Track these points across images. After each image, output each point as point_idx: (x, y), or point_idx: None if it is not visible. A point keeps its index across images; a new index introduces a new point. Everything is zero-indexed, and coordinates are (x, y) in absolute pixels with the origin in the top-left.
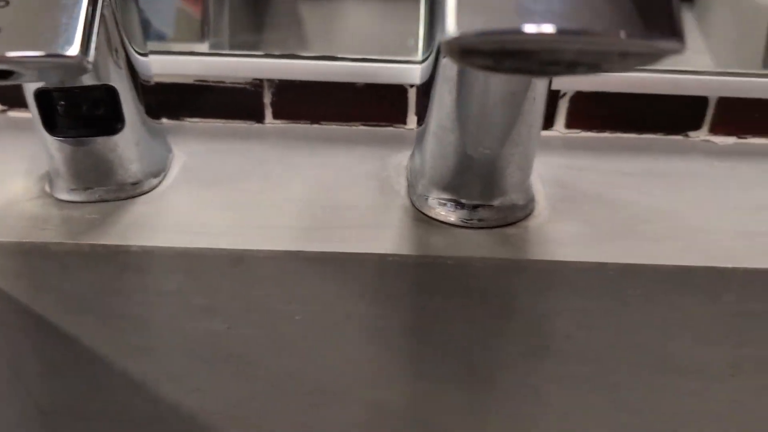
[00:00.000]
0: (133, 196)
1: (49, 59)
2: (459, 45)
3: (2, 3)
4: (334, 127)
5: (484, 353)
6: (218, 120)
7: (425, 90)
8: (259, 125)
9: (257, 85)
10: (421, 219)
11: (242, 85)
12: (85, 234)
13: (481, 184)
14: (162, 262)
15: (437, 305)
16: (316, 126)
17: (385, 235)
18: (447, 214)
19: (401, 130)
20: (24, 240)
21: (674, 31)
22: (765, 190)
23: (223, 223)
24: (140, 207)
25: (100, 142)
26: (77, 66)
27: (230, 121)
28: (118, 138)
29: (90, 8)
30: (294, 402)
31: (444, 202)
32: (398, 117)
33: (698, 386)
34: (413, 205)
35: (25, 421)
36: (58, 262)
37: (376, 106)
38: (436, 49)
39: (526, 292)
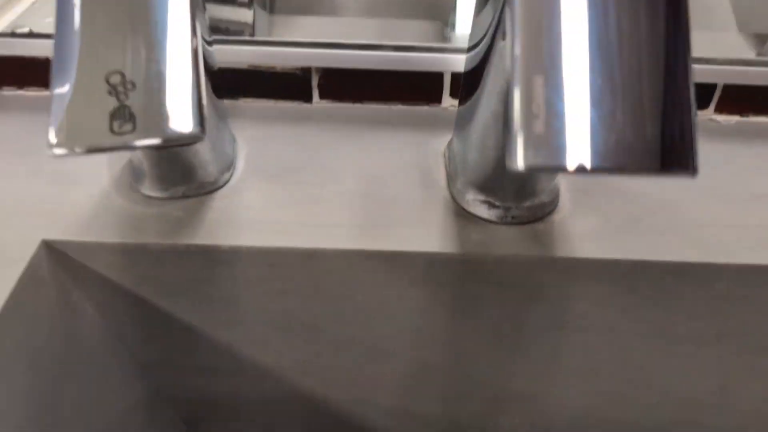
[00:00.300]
0: (211, 192)
1: (173, 140)
2: (524, 171)
3: (131, 86)
4: (375, 106)
5: (512, 326)
6: (270, 100)
7: (471, 81)
8: (308, 105)
9: (306, 70)
10: (460, 213)
11: (292, 71)
12: (176, 233)
13: (516, 188)
14: (247, 257)
15: (474, 290)
16: (358, 105)
17: (429, 233)
18: (483, 212)
19: (436, 109)
20: (126, 241)
21: (690, 166)
22: (760, 177)
23: (293, 220)
24: (218, 203)
25: (183, 149)
26: (196, 139)
27: (280, 101)
28: (198, 145)
29: (197, 77)
30: (351, 360)
31: (480, 201)
32: (434, 97)
33: (691, 349)
34: (453, 198)
35: (127, 373)
36: (156, 257)
37: (414, 88)
38: (486, 47)
39: (551, 280)
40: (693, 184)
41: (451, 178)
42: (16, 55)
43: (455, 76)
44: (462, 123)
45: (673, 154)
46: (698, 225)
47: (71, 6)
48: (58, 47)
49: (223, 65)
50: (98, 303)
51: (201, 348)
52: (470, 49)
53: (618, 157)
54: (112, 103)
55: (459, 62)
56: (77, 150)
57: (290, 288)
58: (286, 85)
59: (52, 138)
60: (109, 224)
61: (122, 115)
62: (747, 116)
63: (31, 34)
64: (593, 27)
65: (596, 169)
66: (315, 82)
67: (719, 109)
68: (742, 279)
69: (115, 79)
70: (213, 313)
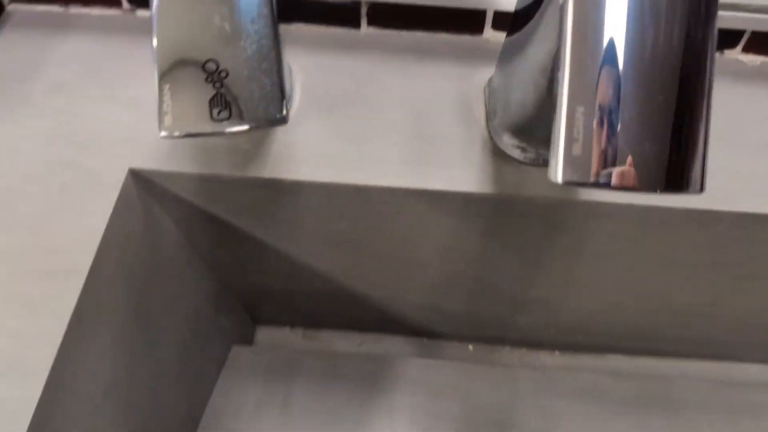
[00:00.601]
0: (274, 124)
1: (262, 126)
2: (561, 184)
3: (224, 74)
4: (419, 34)
5: (534, 249)
6: (320, 25)
7: (521, 21)
8: (356, 32)
9: (356, 2)
10: (497, 153)
11: (342, 2)
12: (245, 165)
13: (548, 131)
14: (306, 189)
15: (503, 221)
16: (404, 33)
17: (468, 173)
18: (518, 154)
19: (479, 39)
20: (203, 172)
21: (700, 187)
22: None
23: (345, 156)
24: (280, 136)
25: None
26: (281, 124)
27: (331, 27)
28: None
29: (280, 63)
30: (390, 268)
31: (516, 144)
32: (476, 29)
33: (688, 273)
34: (490, 136)
35: (199, 274)
36: (228, 185)
37: (457, 18)
38: None
39: (573, 217)
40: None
41: (489, 117)
42: None
43: (497, 12)
44: (506, 64)
45: (689, 177)
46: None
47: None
48: (160, 36)
49: None
50: (177, 219)
51: (262, 254)
52: None
53: (640, 179)
54: (209, 90)
55: (502, 1)
56: (184, 134)
57: (342, 213)
58: (336, 13)
59: (164, 124)
60: (187, 155)
61: (219, 102)
62: None
63: None
64: (630, 59)
65: (619, 189)
66: (364, 10)
67: (746, 50)
68: (740, 223)
69: (211, 66)
70: (275, 228)
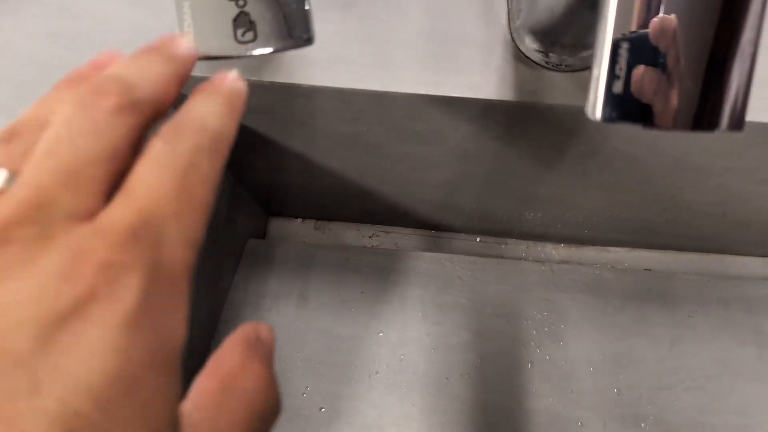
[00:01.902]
0: (300, 45)
1: (289, 48)
2: (599, 121)
3: None
4: None
5: (550, 151)
6: None
7: None
8: None
9: None
10: (518, 57)
11: None
12: (261, 68)
13: (574, 38)
14: (322, 94)
15: (521, 126)
16: None
17: (488, 80)
18: (539, 58)
19: None
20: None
21: (741, 126)
22: None
23: (362, 59)
24: None
25: None
26: (307, 45)
27: None
28: None
29: None
30: (405, 167)
31: (537, 48)
32: None
33: (702, 177)
34: (512, 38)
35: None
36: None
37: None
38: None
39: (592, 124)
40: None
41: (512, 17)
42: None
43: None
44: None
45: (725, 116)
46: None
47: None
48: None
49: None
50: None
51: (277, 153)
52: None
53: (680, 119)
54: (232, 9)
55: None
56: (207, 57)
57: (359, 117)
58: None
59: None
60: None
61: (244, 23)
62: None
63: None
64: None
65: (659, 127)
66: None
67: None
68: (760, 133)
69: None
70: (290, 130)
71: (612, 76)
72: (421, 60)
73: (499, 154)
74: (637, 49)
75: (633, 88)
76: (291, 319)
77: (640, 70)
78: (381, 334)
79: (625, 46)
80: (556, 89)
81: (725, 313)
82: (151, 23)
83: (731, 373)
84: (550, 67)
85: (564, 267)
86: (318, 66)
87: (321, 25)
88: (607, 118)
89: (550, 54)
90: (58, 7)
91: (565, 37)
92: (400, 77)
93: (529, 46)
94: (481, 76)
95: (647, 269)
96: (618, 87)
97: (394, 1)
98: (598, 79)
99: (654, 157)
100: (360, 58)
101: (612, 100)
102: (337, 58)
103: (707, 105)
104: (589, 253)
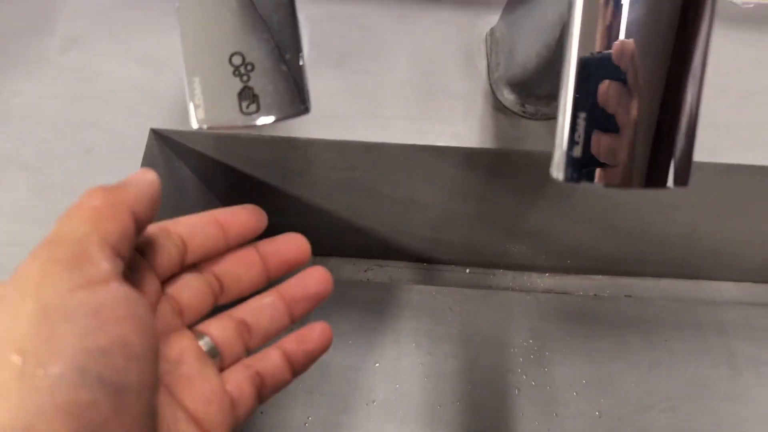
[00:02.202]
0: (299, 114)
1: (288, 117)
2: (562, 182)
3: (250, 67)
4: None
5: (531, 192)
6: None
7: None
8: None
9: None
10: (497, 107)
11: None
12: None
13: (548, 90)
14: (319, 146)
15: (503, 168)
16: None
17: (471, 128)
18: (517, 108)
19: None
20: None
21: (686, 182)
22: (759, 70)
23: (356, 112)
24: None
25: None
26: (306, 113)
27: None
28: None
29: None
30: (396, 209)
31: (515, 98)
32: None
33: (671, 211)
34: (491, 89)
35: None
36: (245, 142)
37: None
38: None
39: None
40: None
41: (491, 69)
42: None
43: None
44: (511, 18)
45: (675, 174)
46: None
47: None
48: (184, 29)
49: None
50: (195, 169)
51: (275, 197)
52: None
53: (632, 177)
54: (237, 84)
55: None
56: (215, 127)
57: (353, 165)
58: None
59: (196, 117)
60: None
61: (247, 96)
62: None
63: None
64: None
65: (615, 186)
66: None
67: None
68: (718, 173)
69: (237, 60)
70: (288, 177)
71: (572, 142)
72: (409, 111)
73: (483, 195)
74: (593, 118)
75: (592, 152)
76: None
77: (596, 137)
78: (377, 365)
79: (582, 116)
80: (533, 136)
81: (700, 337)
82: (160, 82)
83: (706, 395)
84: (527, 116)
85: (548, 296)
86: (314, 120)
87: (317, 81)
88: (569, 179)
89: (527, 104)
90: (73, 69)
91: (540, 89)
92: (390, 128)
93: (508, 97)
94: (464, 125)
95: (628, 295)
96: (577, 152)
97: (383, 57)
98: (560, 145)
99: (625, 196)
100: (353, 111)
101: (572, 163)
102: (332, 112)
103: (656, 166)
104: (572, 281)
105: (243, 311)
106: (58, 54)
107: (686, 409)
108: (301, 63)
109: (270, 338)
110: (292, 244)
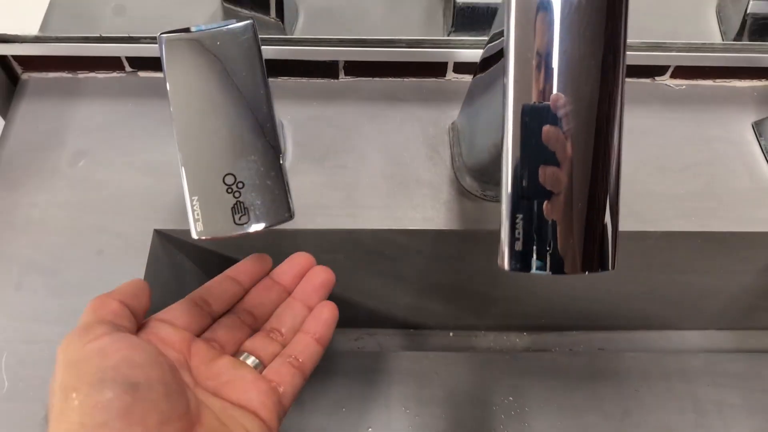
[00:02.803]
0: (284, 221)
1: (275, 225)
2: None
3: (240, 185)
4: (390, 80)
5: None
6: (303, 78)
7: (483, 67)
8: (335, 81)
9: (334, 61)
10: (461, 192)
11: (321, 60)
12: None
13: None
14: (305, 235)
15: (470, 247)
16: (377, 79)
17: (438, 212)
18: (479, 193)
19: (442, 81)
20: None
21: (613, 266)
22: (693, 145)
23: (336, 204)
24: None
25: None
26: (290, 219)
27: (312, 78)
28: None
29: (285, 172)
30: (379, 282)
31: (477, 185)
32: (440, 73)
33: (629, 272)
34: (456, 176)
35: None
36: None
37: (423, 67)
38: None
39: None
40: (639, 156)
41: (454, 160)
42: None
43: (457, 63)
44: (469, 110)
45: (601, 260)
46: (637, 195)
47: (189, 124)
48: (184, 156)
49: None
50: (194, 259)
51: None
52: (492, 39)
53: (569, 266)
54: (230, 200)
55: (461, 54)
56: (213, 237)
57: (336, 248)
58: (317, 68)
59: (195, 229)
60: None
61: (240, 209)
62: (696, 80)
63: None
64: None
65: (555, 273)
66: (341, 65)
67: (673, 76)
68: (665, 239)
69: (230, 179)
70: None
71: (513, 238)
72: (384, 200)
73: (455, 269)
74: (530, 217)
75: (532, 245)
76: (291, 424)
77: (534, 234)
78: (370, 430)
79: (520, 216)
80: (494, 217)
81: (667, 385)
82: (160, 187)
83: None
84: (488, 199)
85: (526, 354)
86: (301, 212)
87: (301, 176)
88: (513, 268)
89: (487, 190)
90: (81, 179)
91: (497, 176)
92: (366, 216)
93: (470, 183)
94: (433, 210)
95: (601, 348)
96: (519, 246)
97: (359, 152)
98: (504, 241)
99: None
100: (333, 202)
101: (515, 255)
102: (315, 203)
103: (588, 255)
104: (549, 338)
105: (271, 321)
106: (68, 166)
107: None
108: (284, 179)
109: (298, 330)
110: (298, 259)
